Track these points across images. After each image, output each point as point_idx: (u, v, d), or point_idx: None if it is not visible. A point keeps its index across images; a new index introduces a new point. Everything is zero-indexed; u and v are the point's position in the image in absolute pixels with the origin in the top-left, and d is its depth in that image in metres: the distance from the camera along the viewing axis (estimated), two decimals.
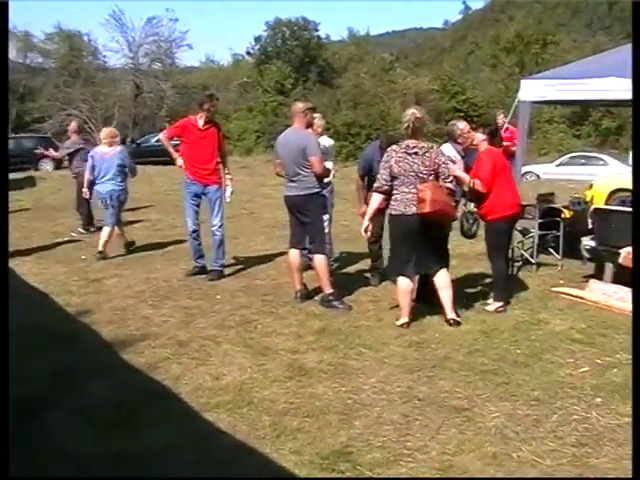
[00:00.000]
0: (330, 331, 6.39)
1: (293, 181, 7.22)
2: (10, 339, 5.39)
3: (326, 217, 7.64)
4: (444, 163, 6.47)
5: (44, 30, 56.51)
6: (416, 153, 6.34)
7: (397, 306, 6.72)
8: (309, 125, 7.43)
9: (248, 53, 56.50)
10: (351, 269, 9.13)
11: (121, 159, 10.27)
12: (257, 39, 53.36)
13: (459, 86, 42.39)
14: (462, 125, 7.37)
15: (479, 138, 7.22)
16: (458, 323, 6.48)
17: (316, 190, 7.23)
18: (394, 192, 6.42)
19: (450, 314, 6.51)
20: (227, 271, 8.92)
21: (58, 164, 28.14)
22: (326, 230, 7.72)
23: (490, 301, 7.12)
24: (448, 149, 7.26)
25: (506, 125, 12.02)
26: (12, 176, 22.75)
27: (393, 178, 6.38)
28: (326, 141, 8.71)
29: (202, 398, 4.89)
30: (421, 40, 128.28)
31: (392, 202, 6.47)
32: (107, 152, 10.24)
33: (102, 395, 4.98)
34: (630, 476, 3.47)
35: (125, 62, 51.53)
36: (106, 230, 10.08)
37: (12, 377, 5.01)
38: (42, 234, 12.18)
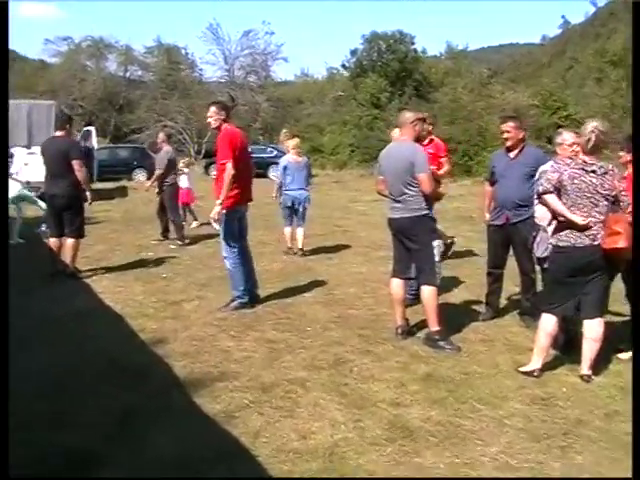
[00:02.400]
0: (437, 378, 5.43)
1: (398, 201, 6.33)
2: (80, 369, 5.59)
3: (436, 243, 6.65)
4: (624, 190, 5.39)
5: (145, 44, 57.63)
6: (594, 172, 5.28)
7: (513, 347, 5.72)
8: (418, 138, 6.53)
9: (343, 66, 55.75)
10: (455, 298, 8.13)
11: (308, 168, 11.63)
12: (353, 52, 52.59)
13: (560, 101, 40.58)
14: (567, 136, 6.28)
15: (625, 158, 6.12)
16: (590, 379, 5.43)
17: (424, 212, 6.30)
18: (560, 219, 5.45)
19: (586, 370, 5.43)
20: (320, 297, 8.09)
21: (151, 175, 28.03)
22: (437, 258, 6.69)
23: (622, 347, 6.00)
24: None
25: None
26: (104, 186, 22.84)
27: (558, 193, 5.40)
28: None
29: (285, 464, 4.02)
30: (518, 55, 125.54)
31: (556, 229, 5.50)
32: (300, 161, 11.28)
33: (165, 451, 4.17)
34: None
35: (221, 75, 52.00)
36: (288, 230, 11.38)
37: (71, 419, 4.65)
38: (127, 247, 11.67)
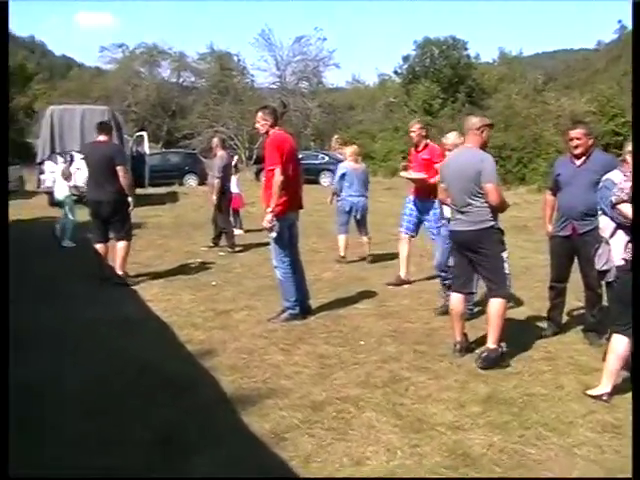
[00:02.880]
0: (498, 400, 5.10)
1: (462, 212, 6.00)
2: (124, 380, 5.41)
3: (505, 254, 6.17)
4: None
5: (197, 50, 58.17)
6: None
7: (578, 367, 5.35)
8: (484, 145, 6.18)
9: (396, 72, 55.46)
10: (514, 312, 7.74)
11: (366, 174, 11.55)
12: (405, 58, 52.27)
13: (618, 108, 39.61)
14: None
15: None
16: None
17: (491, 223, 5.95)
18: None
19: None
20: (373, 309, 7.82)
21: (202, 180, 28.07)
22: (506, 270, 6.15)
23: None
24: (617, 177, 5.77)
25: None
26: (155, 191, 22.90)
27: None
28: None
29: None
30: (572, 61, 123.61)
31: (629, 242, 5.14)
32: (357, 167, 11.26)
33: (209, 474, 3.94)
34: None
35: (272, 80, 52.08)
36: (342, 237, 11.21)
37: (114, 437, 4.43)
38: (176, 254, 11.53)
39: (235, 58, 56.24)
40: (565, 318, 7.24)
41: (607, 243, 5.74)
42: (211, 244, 12.26)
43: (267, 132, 7.27)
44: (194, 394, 5.14)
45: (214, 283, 9.15)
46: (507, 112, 39.29)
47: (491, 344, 5.89)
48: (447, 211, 6.85)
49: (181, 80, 61.27)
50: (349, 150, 11.52)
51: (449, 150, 7.23)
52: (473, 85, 50.20)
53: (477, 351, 6.11)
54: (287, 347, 6.30)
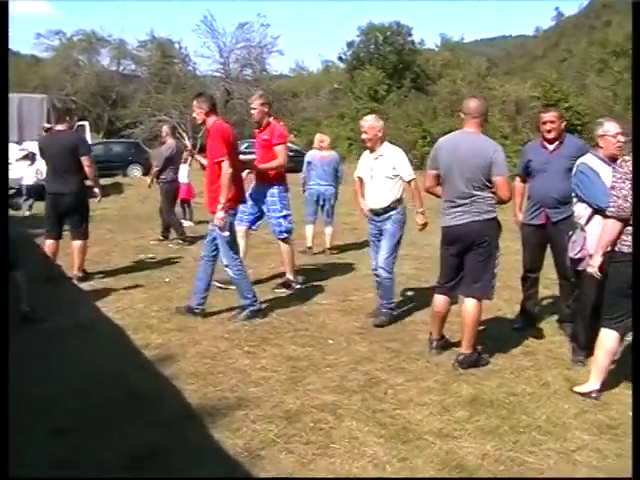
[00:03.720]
0: (484, 402, 4.78)
1: (461, 205, 5.44)
2: (83, 395, 4.88)
3: (498, 253, 5.69)
4: None
5: (138, 38, 56.90)
6: None
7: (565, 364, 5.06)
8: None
9: (340, 59, 55.25)
10: (484, 304, 7.45)
11: (336, 162, 11.16)
12: (349, 44, 51.99)
13: (562, 93, 39.98)
14: (609, 126, 5.55)
15: None
16: None
17: (495, 214, 5.52)
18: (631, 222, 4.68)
19: None
20: (338, 304, 7.44)
21: (147, 170, 27.28)
22: (495, 270, 5.68)
23: None
24: (592, 160, 5.51)
25: None
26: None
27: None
28: None
29: None
30: (511, 48, 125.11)
31: (624, 236, 4.74)
32: (325, 156, 10.98)
33: None
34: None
35: (216, 68, 51.14)
36: (310, 228, 10.84)
37: (82, 462, 3.95)
38: (124, 249, 10.96)
39: (177, 45, 55.17)
40: (537, 309, 6.96)
41: (582, 230, 5.48)
42: (160, 237, 11.76)
43: (204, 121, 6.77)
44: (158, 408, 4.66)
45: (167, 279, 8.65)
46: (453, 98, 39.17)
47: (467, 349, 5.54)
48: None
49: (121, 68, 59.86)
50: (316, 138, 11.26)
51: (365, 133, 6.65)
52: (418, 71, 50.23)
53: (454, 350, 5.77)
54: (252, 349, 5.87)
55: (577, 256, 5.51)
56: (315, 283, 8.45)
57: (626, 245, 4.68)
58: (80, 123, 23.11)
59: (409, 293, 8.00)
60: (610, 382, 5.01)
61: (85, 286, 8.27)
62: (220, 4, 66.43)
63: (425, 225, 6.76)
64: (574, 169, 5.66)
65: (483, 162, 5.34)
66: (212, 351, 5.82)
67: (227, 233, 6.62)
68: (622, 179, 4.64)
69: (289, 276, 8.22)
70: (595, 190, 5.37)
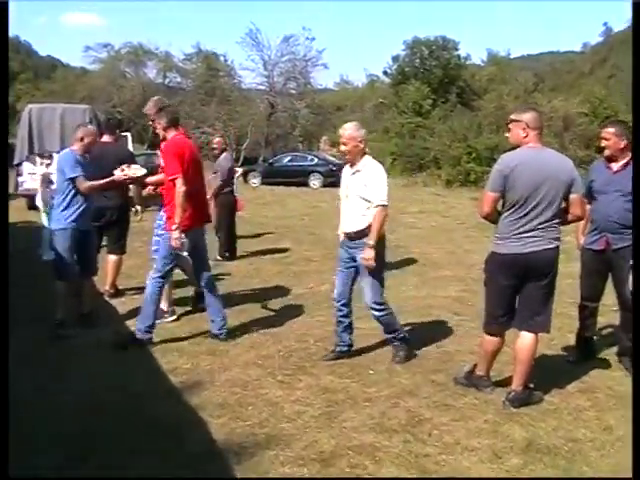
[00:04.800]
0: (540, 448, 4.30)
1: (536, 229, 4.87)
2: (104, 422, 4.59)
3: None
4: None
5: (184, 50, 57.23)
6: None
7: None
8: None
9: (385, 73, 54.74)
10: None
11: None
12: (395, 59, 51.52)
13: (611, 109, 39.14)
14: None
15: None
16: None
17: (559, 242, 5.05)
18: None
19: None
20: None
21: None
22: None
23: None
24: None
25: None
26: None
27: None
28: None
29: None
30: (558, 64, 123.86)
31: None
32: None
33: None
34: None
35: (260, 81, 51.22)
36: None
37: None
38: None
39: (222, 58, 55.37)
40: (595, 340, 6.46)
41: None
42: (223, 255, 11.07)
43: (164, 137, 6.36)
44: (180, 441, 4.32)
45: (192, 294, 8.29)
46: (498, 113, 38.60)
47: (519, 386, 5.05)
48: None
49: (167, 81, 60.18)
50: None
51: (344, 144, 5.87)
52: (463, 86, 49.59)
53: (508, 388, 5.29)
54: (286, 378, 5.47)
55: None
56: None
57: None
58: (123, 134, 23.04)
59: (455, 319, 7.52)
60: None
61: (116, 302, 7.97)
62: (266, 17, 66.43)
63: (370, 261, 5.72)
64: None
65: (568, 179, 4.88)
66: (243, 379, 5.44)
67: (185, 253, 6.28)
68: None
69: None
70: None
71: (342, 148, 5.95)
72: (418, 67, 49.88)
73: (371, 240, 5.65)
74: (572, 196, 4.90)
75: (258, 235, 14.12)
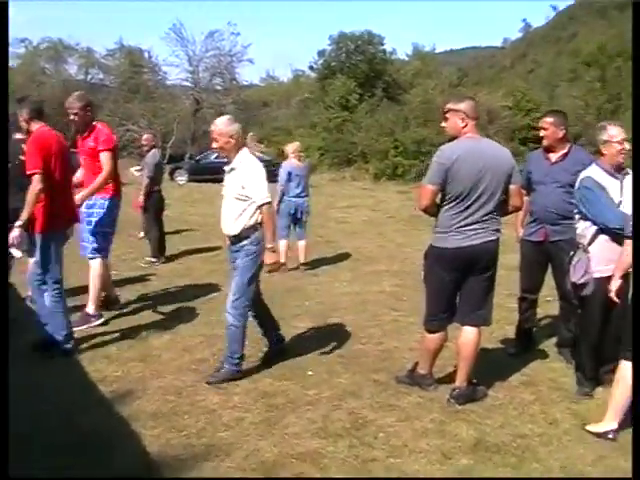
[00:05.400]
0: (489, 447, 4.19)
1: (478, 222, 4.72)
2: (22, 435, 4.16)
3: None
4: None
5: (106, 46, 55.96)
6: None
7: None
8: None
9: (311, 68, 54.42)
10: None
11: (309, 172, 10.75)
12: (320, 53, 51.20)
13: (533, 103, 39.93)
14: (614, 131, 5.00)
15: None
16: None
17: (500, 234, 4.92)
18: None
19: None
20: (315, 328, 6.82)
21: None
22: None
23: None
24: (597, 173, 5.01)
25: None
26: None
27: None
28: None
29: None
30: (480, 58, 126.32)
31: None
32: (302, 166, 10.37)
33: None
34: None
35: (185, 77, 50.47)
36: (284, 243, 9.92)
37: None
38: (83, 266, 10.17)
39: (146, 54, 54.31)
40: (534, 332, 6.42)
41: (585, 251, 4.94)
42: (152, 259, 10.51)
43: (28, 131, 5.87)
44: (112, 455, 4.03)
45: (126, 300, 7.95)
46: (425, 107, 38.96)
47: (464, 382, 4.94)
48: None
49: (89, 77, 58.74)
50: (292, 147, 10.44)
51: (215, 140, 5.38)
52: (389, 80, 49.68)
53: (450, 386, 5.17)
54: (222, 383, 5.20)
55: (580, 281, 4.97)
56: (290, 303, 7.82)
57: None
58: None
59: (392, 314, 7.39)
60: (628, 420, 4.44)
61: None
62: (190, 12, 65.60)
63: (276, 265, 5.50)
64: (577, 183, 5.14)
65: (508, 170, 4.76)
66: (177, 386, 5.16)
67: (18, 253, 5.67)
68: None
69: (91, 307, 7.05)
70: (601, 207, 4.86)
71: (213, 145, 5.48)
72: (344, 62, 49.77)
73: (269, 243, 5.26)
74: (511, 186, 4.80)
75: (185, 231, 13.82)
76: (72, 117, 6.83)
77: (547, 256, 5.85)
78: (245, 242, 5.27)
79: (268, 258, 5.31)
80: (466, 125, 4.78)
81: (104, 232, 7.02)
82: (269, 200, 5.27)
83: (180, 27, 47.93)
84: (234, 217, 5.29)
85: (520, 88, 42.27)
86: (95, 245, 7.00)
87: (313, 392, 5.05)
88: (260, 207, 5.20)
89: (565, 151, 5.75)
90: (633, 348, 4.07)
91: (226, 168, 5.47)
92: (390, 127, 35.83)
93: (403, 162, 32.52)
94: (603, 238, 4.90)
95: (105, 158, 6.80)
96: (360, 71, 48.31)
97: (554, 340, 6.28)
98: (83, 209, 6.80)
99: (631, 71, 4.38)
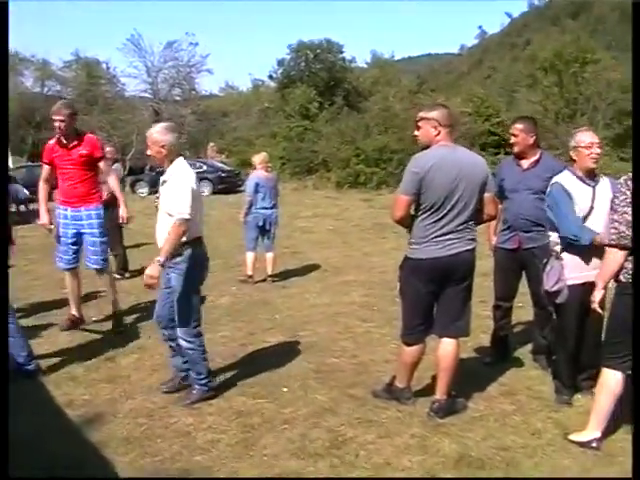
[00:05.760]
0: (473, 461, 4.10)
1: (454, 232, 4.62)
2: None
3: None
4: None
5: (62, 58, 55.33)
6: None
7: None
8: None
9: (270, 77, 54.40)
10: None
11: (277, 183, 10.53)
12: (280, 62, 51.16)
13: (493, 108, 40.28)
14: (583, 136, 4.98)
15: None
16: None
17: (476, 243, 4.83)
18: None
19: None
20: (287, 341, 6.69)
21: None
22: None
23: None
24: (567, 179, 5.00)
25: None
26: (23, 208, 20.89)
27: None
28: None
29: None
30: (437, 65, 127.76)
31: (632, 265, 4.07)
32: (269, 177, 10.20)
33: None
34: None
35: (144, 88, 50.12)
36: (252, 255, 9.95)
37: None
38: (47, 282, 9.95)
39: (104, 65, 53.81)
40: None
41: (558, 258, 4.89)
42: (117, 275, 9.98)
43: None
44: None
45: (95, 318, 7.74)
46: (385, 114, 39.13)
47: (444, 395, 4.84)
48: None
49: (45, 89, 58.03)
50: (259, 158, 10.29)
51: (148, 148, 5.10)
52: (349, 88, 49.88)
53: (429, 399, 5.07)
54: (195, 403, 5.04)
55: (554, 289, 4.92)
56: (260, 316, 7.69)
57: (629, 273, 4.06)
58: None
59: (364, 326, 7.29)
60: (611, 428, 4.39)
61: None
62: (148, 22, 65.10)
63: (153, 279, 4.80)
64: (548, 189, 5.11)
65: (483, 178, 4.66)
66: (148, 408, 4.99)
67: None
68: (628, 202, 4.01)
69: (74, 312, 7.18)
70: (559, 215, 4.86)
71: (148, 152, 5.17)
72: (304, 70, 49.85)
73: (161, 256, 4.80)
74: (485, 195, 4.71)
75: (146, 247, 13.53)
76: (58, 124, 6.67)
77: (521, 263, 5.80)
78: (178, 259, 4.96)
79: (154, 271, 4.78)
80: (439, 133, 4.68)
81: (106, 241, 7.12)
82: (186, 217, 4.82)
83: (138, 38, 47.66)
84: (164, 232, 4.97)
85: (479, 94, 42.60)
86: (104, 255, 7.06)
87: (289, 410, 4.91)
88: (176, 221, 4.82)
89: (536, 157, 5.72)
90: (633, 349, 3.99)
91: (161, 179, 5.19)
92: (351, 135, 35.88)
93: (365, 170, 32.55)
94: (577, 245, 4.86)
95: (104, 165, 6.99)
96: (320, 79, 48.43)
97: (529, 347, 6.23)
98: (79, 221, 6.88)
99: (631, 71, 4.30)
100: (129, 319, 7.61)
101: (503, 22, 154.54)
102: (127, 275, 10.32)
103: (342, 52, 50.95)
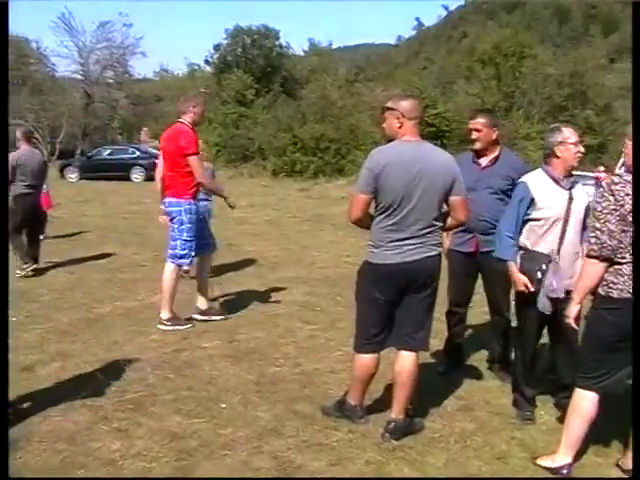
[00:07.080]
0: None
1: (416, 237, 4.20)
2: None
3: None
4: None
5: None
6: None
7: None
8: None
9: (207, 62, 53.48)
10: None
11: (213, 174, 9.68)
12: (216, 47, 50.29)
13: (430, 99, 40.27)
14: (569, 133, 4.58)
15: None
16: None
17: (441, 248, 4.45)
18: (620, 260, 3.66)
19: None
20: (224, 347, 6.18)
21: None
22: None
23: None
24: (536, 180, 4.65)
25: None
26: None
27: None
28: None
29: None
30: (374, 55, 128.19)
31: (613, 277, 3.70)
32: (205, 167, 8.69)
33: None
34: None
35: (75, 69, 48.56)
36: None
37: None
38: None
39: (33, 44, 51.90)
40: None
41: (555, 262, 4.50)
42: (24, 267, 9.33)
43: None
44: None
45: (14, 318, 7.06)
46: (322, 103, 38.77)
47: (400, 414, 4.40)
48: None
49: None
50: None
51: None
52: (286, 75, 49.44)
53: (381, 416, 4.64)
54: (123, 424, 4.45)
55: (560, 295, 4.48)
56: (194, 318, 7.15)
57: (617, 289, 3.66)
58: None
59: (306, 329, 6.83)
60: (582, 452, 4.04)
61: None
62: (81, 0, 62.95)
63: None
64: (515, 190, 4.76)
65: (449, 179, 4.19)
66: (69, 429, 4.38)
67: None
68: (611, 209, 3.61)
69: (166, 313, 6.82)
70: (503, 222, 4.58)
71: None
72: (240, 56, 49.11)
73: None
74: (453, 198, 4.25)
75: (75, 235, 12.84)
76: None
77: (477, 267, 5.42)
78: None
79: None
80: (402, 126, 4.22)
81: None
82: None
83: (69, 16, 46.10)
84: None
85: (416, 84, 42.62)
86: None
87: (229, 431, 4.38)
88: None
89: (496, 154, 5.32)
90: (633, 351, 3.61)
91: None
92: (288, 123, 35.45)
93: (302, 158, 32.20)
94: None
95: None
96: (257, 66, 47.87)
97: (482, 354, 5.90)
98: None
99: (631, 71, 3.94)
100: (52, 321, 6.95)
101: (440, 14, 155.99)
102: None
103: (279, 38, 50.40)
